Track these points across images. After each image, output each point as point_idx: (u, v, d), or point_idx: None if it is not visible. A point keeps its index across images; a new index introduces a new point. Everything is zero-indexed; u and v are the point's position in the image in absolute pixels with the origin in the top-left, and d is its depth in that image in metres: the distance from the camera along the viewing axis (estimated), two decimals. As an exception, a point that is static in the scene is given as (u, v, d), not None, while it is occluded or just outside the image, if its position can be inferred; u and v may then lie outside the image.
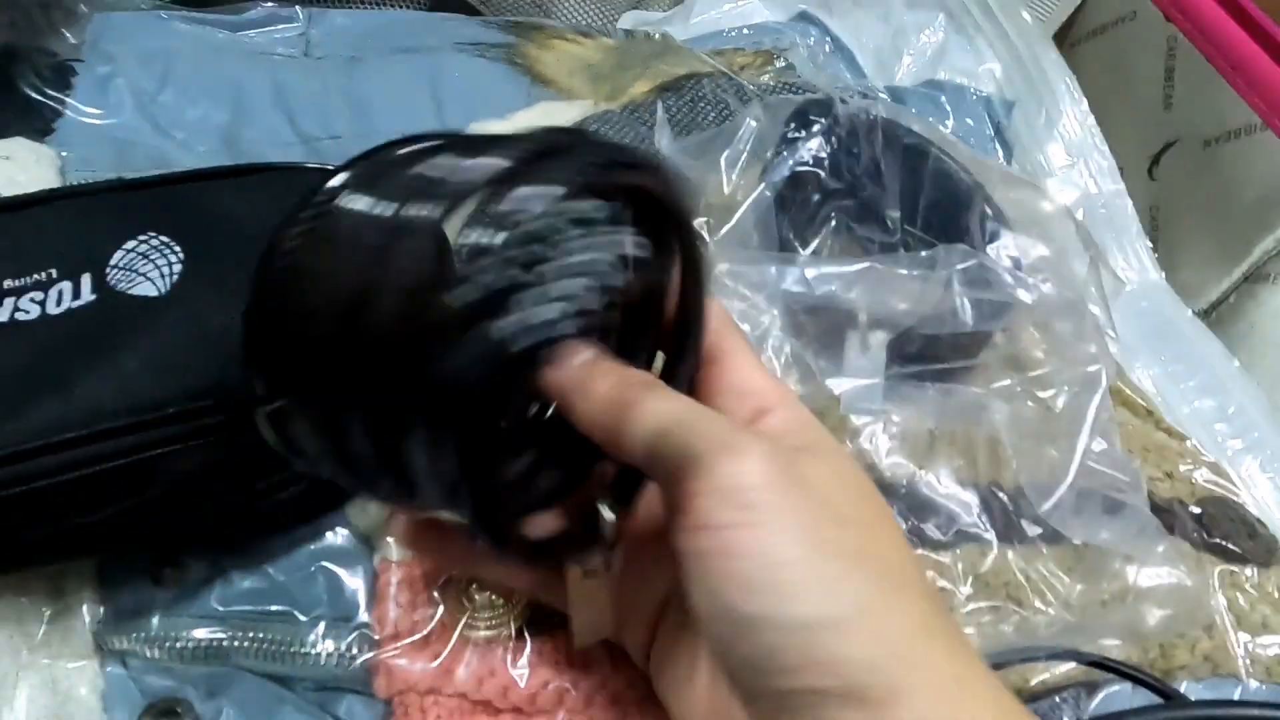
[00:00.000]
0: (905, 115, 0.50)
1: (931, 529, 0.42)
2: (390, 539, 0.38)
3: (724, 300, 0.42)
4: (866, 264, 0.43)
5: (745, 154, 0.47)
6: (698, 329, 0.30)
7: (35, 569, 0.37)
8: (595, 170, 0.26)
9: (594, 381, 0.27)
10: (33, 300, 0.35)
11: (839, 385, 0.43)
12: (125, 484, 0.34)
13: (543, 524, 0.31)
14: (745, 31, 0.70)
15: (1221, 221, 0.65)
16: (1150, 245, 0.64)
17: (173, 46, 0.57)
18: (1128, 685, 0.40)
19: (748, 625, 0.24)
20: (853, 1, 0.73)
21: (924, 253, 0.44)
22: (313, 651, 0.36)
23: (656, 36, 0.66)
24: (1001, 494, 0.43)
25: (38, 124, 0.51)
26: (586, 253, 0.26)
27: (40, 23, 0.55)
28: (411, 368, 0.24)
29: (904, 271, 0.43)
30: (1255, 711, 0.34)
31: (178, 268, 0.36)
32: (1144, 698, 0.39)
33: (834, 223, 0.46)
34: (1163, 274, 0.63)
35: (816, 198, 0.46)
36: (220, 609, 0.37)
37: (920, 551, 0.41)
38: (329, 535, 0.39)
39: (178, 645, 0.36)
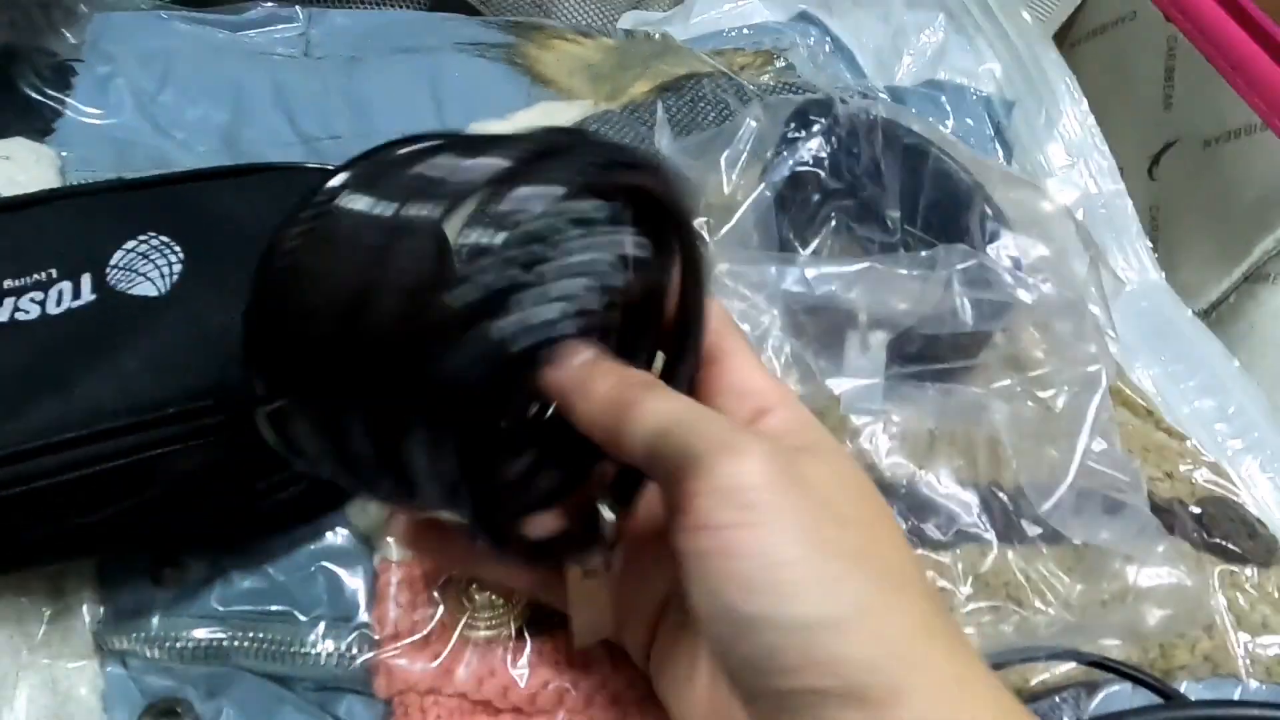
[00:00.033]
0: (905, 115, 0.50)
1: (931, 529, 0.42)
2: (390, 539, 0.38)
3: (724, 300, 0.42)
4: (866, 264, 0.43)
5: (745, 154, 0.47)
6: (698, 329, 0.30)
7: (35, 569, 0.37)
8: (595, 170, 0.26)
9: (594, 381, 0.27)
10: (33, 300, 0.35)
11: (839, 385, 0.43)
12: (125, 484, 0.34)
13: (542, 524, 0.31)
14: (745, 31, 0.70)
15: (1221, 221, 0.65)
16: (1150, 245, 0.64)
17: (173, 46, 0.57)
18: (1128, 685, 0.40)
19: (747, 625, 0.24)
20: (853, 1, 0.73)
21: (924, 253, 0.44)
22: (313, 651, 0.36)
23: (656, 36, 0.66)
24: (1001, 494, 0.43)
25: (38, 124, 0.51)
26: (586, 253, 0.26)
27: (40, 22, 0.55)
28: (411, 367, 0.24)
29: (904, 271, 0.43)
30: (1255, 712, 0.34)
31: (178, 268, 0.36)
32: (1144, 698, 0.39)
33: (834, 223, 0.46)
34: (1163, 274, 0.63)
35: (816, 198, 0.46)
36: (220, 609, 0.37)
37: (920, 551, 0.41)
38: (329, 535, 0.39)
39: (178, 645, 0.36)
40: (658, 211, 0.28)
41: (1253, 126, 0.62)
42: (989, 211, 0.47)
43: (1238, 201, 0.64)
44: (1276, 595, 0.44)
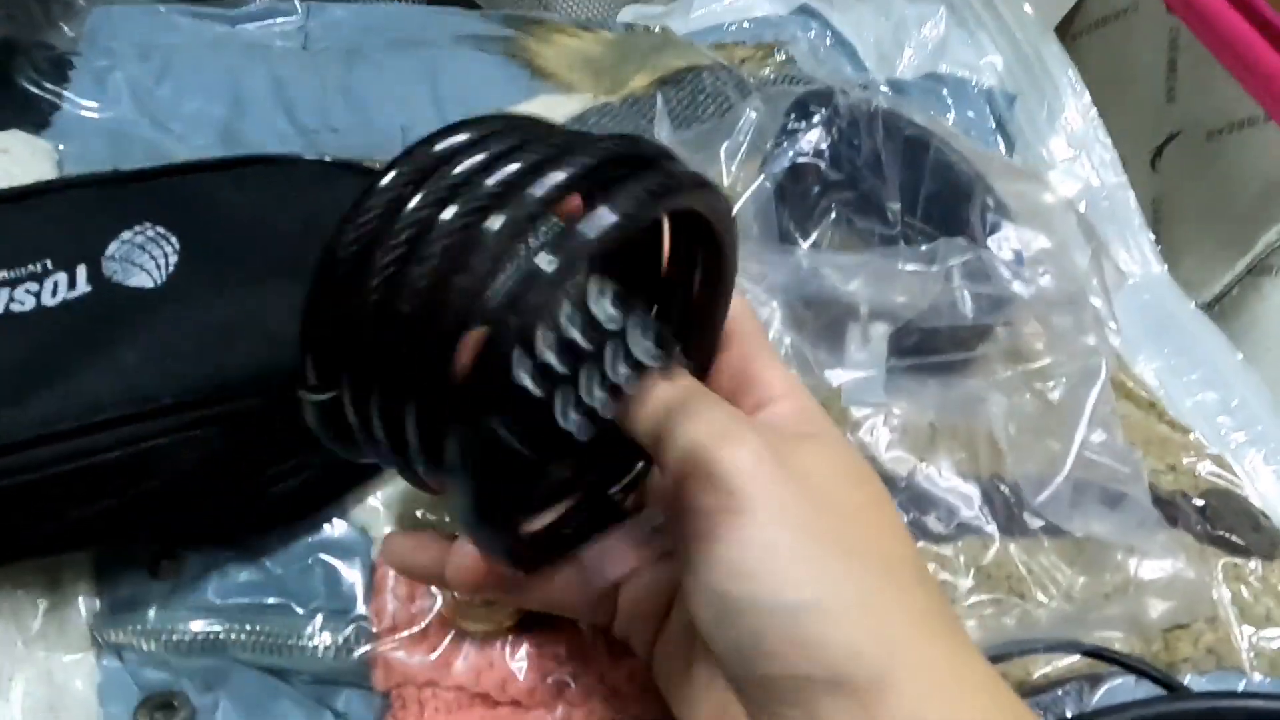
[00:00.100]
0: (906, 106, 0.50)
1: (933, 522, 0.42)
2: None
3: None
4: (866, 256, 0.43)
5: (745, 145, 0.47)
6: (718, 319, 0.30)
7: (31, 561, 0.37)
8: (655, 200, 0.25)
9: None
10: (28, 291, 0.35)
11: (839, 377, 0.43)
12: (122, 476, 0.34)
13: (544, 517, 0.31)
14: (746, 25, 0.70)
15: (1224, 214, 0.65)
16: (1153, 238, 0.63)
17: (171, 40, 0.57)
18: (1130, 678, 0.39)
19: (734, 610, 0.24)
20: (853, -5, 0.73)
21: (924, 247, 0.44)
22: (310, 644, 0.36)
23: (657, 30, 0.66)
24: (1003, 486, 0.43)
25: (35, 117, 0.51)
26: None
27: (38, 16, 0.55)
28: (488, 397, 0.24)
29: (904, 265, 0.43)
30: (1259, 703, 0.34)
31: (173, 259, 0.36)
32: (1147, 691, 0.39)
33: (834, 215, 0.46)
34: (1165, 267, 0.62)
35: (816, 189, 0.46)
36: (217, 602, 0.37)
37: (922, 544, 0.41)
38: (326, 528, 0.39)
39: (174, 638, 0.36)
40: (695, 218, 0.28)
41: (1256, 118, 0.62)
42: (990, 203, 0.47)
43: (1241, 194, 0.64)
44: (1280, 588, 0.43)
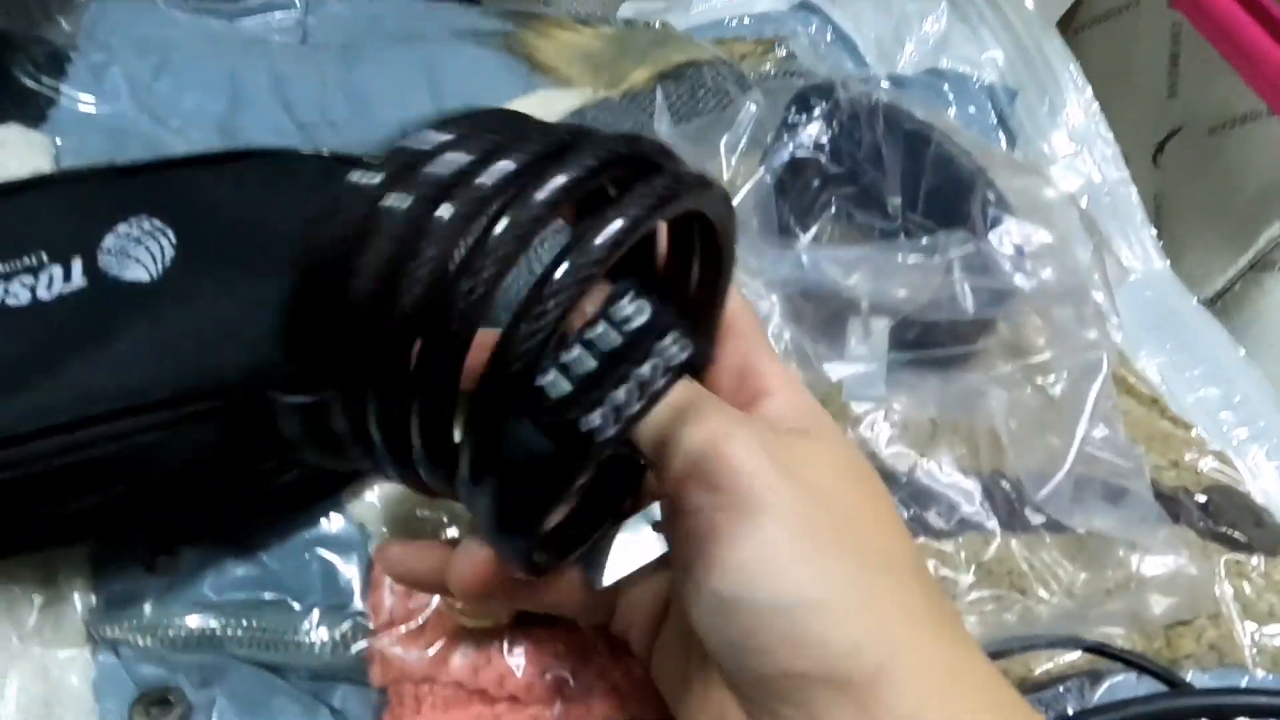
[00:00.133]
0: (907, 101, 0.49)
1: (934, 518, 0.41)
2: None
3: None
4: (866, 249, 0.43)
5: (745, 139, 0.46)
6: (714, 314, 0.30)
7: (27, 557, 0.36)
8: (663, 206, 0.25)
9: None
10: (23, 285, 0.35)
11: (839, 372, 0.43)
12: (118, 470, 0.34)
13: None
14: (746, 21, 0.70)
15: (1227, 209, 0.65)
16: (1154, 233, 0.63)
17: (169, 35, 0.57)
18: (1132, 675, 0.39)
19: (728, 607, 0.24)
20: (854, -10, 0.72)
21: (924, 240, 0.44)
22: (307, 640, 0.36)
23: (656, 25, 0.65)
24: (1004, 482, 0.42)
25: (32, 112, 0.51)
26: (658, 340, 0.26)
27: (35, 10, 0.55)
28: (489, 420, 0.24)
29: (903, 258, 0.43)
30: (1263, 699, 0.33)
31: (169, 252, 0.36)
32: (1149, 688, 0.39)
33: (834, 209, 0.46)
34: (1167, 262, 0.62)
35: (816, 183, 0.46)
36: (213, 597, 0.37)
37: (922, 540, 0.41)
38: (323, 522, 0.39)
39: (170, 633, 0.36)
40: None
41: (1258, 113, 0.62)
42: (991, 198, 0.47)
43: (1243, 189, 0.63)
44: (1283, 584, 0.43)
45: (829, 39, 0.70)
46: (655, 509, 0.32)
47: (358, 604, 0.37)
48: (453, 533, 0.39)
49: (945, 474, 0.42)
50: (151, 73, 0.54)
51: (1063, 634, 0.38)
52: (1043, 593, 0.40)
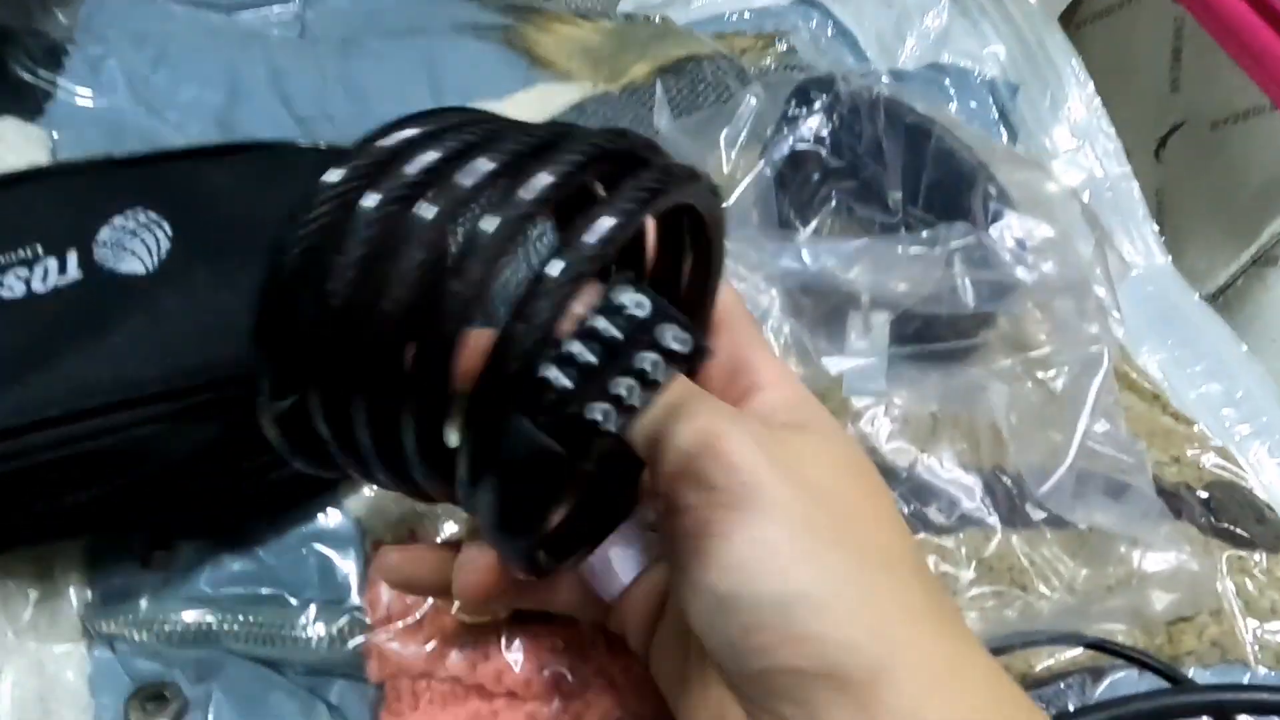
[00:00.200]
0: (908, 95, 0.49)
1: (934, 513, 0.41)
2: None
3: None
4: (866, 243, 0.42)
5: (745, 132, 0.46)
6: (705, 311, 0.30)
7: (22, 551, 0.36)
8: (651, 199, 0.25)
9: None
10: (18, 277, 0.35)
11: (840, 366, 0.43)
12: (115, 463, 0.34)
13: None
14: (746, 15, 0.70)
15: (1229, 204, 0.65)
16: (1156, 229, 0.63)
17: (166, 28, 0.56)
18: (1134, 671, 0.39)
19: (725, 604, 0.24)
20: (855, -16, 0.72)
21: (924, 233, 0.43)
22: (303, 635, 0.36)
23: (657, 20, 0.65)
24: (1005, 478, 0.42)
25: (29, 105, 0.51)
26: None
27: (32, 3, 0.55)
28: (490, 419, 0.23)
29: (903, 251, 0.43)
30: (1265, 696, 0.33)
31: (165, 245, 0.36)
32: (1150, 684, 0.39)
33: (834, 203, 0.46)
34: (1169, 258, 0.62)
35: (817, 177, 0.45)
36: (210, 592, 0.37)
37: (923, 536, 0.40)
38: (320, 517, 0.38)
39: (166, 628, 0.36)
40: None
41: (1261, 108, 0.62)
42: (993, 192, 0.47)
43: (1246, 184, 0.63)
44: (1285, 580, 0.43)
45: (830, 34, 0.69)
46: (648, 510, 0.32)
47: (355, 599, 0.37)
48: (449, 528, 0.38)
49: (946, 469, 0.42)
50: (149, 66, 0.54)
51: (1064, 630, 0.38)
52: (1044, 589, 0.39)
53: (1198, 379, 0.55)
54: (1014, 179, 0.48)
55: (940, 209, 0.46)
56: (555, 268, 0.22)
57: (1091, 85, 0.67)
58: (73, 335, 0.33)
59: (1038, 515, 0.41)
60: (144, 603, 0.36)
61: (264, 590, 0.37)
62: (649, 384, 0.25)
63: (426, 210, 0.23)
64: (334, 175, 0.24)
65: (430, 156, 0.24)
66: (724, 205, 0.43)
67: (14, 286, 0.34)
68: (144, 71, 0.54)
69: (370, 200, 0.23)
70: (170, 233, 0.36)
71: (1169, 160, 0.70)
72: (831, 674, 0.23)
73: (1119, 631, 0.39)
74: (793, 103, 0.46)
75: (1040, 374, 0.43)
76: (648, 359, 0.25)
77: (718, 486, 0.24)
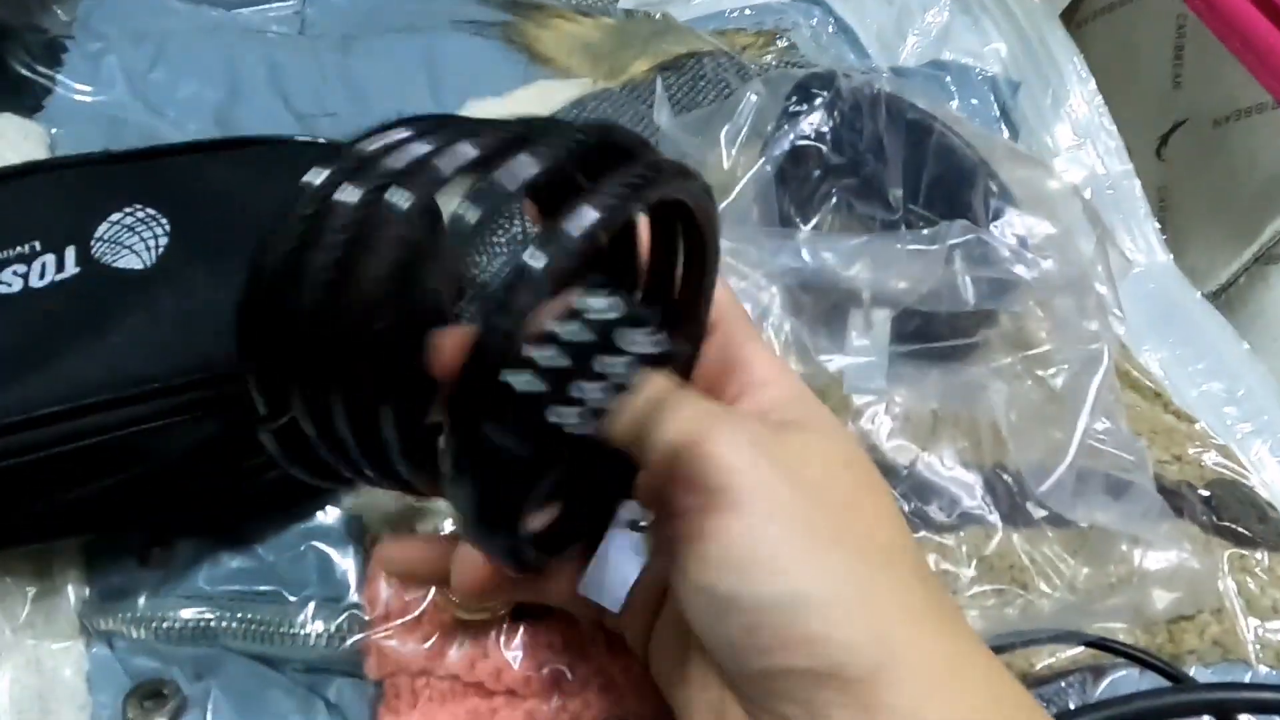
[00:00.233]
0: (909, 92, 0.49)
1: (935, 511, 0.41)
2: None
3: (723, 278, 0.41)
4: (866, 239, 0.42)
5: (745, 129, 0.46)
6: (702, 309, 0.30)
7: (20, 549, 0.36)
8: (638, 193, 0.24)
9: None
10: (15, 273, 0.35)
11: (840, 363, 0.42)
12: (113, 460, 0.34)
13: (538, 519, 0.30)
14: (747, 11, 0.69)
15: (1231, 202, 0.64)
16: (1158, 227, 0.62)
17: (165, 24, 0.57)
18: (1135, 670, 0.39)
19: (725, 605, 0.24)
20: (856, -19, 0.72)
21: (925, 231, 0.43)
22: (302, 632, 0.36)
23: (657, 16, 0.65)
24: (1006, 476, 0.42)
25: (28, 101, 0.51)
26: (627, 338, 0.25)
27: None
28: (461, 420, 0.23)
29: (903, 249, 0.42)
30: (1267, 695, 0.33)
31: (163, 240, 0.36)
32: (1151, 683, 0.38)
33: (835, 200, 0.45)
34: (1171, 256, 0.61)
35: (817, 174, 0.45)
36: (208, 589, 0.36)
37: (924, 534, 0.40)
38: (319, 515, 0.38)
39: (164, 626, 0.35)
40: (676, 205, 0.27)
41: (1264, 105, 0.61)
42: (994, 189, 0.46)
43: (1248, 182, 0.63)
44: (1287, 579, 0.43)
45: (830, 30, 0.69)
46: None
47: (353, 596, 0.37)
48: (449, 525, 0.38)
49: (947, 467, 0.42)
50: (148, 62, 0.54)
51: (1064, 629, 0.38)
52: (1044, 587, 0.39)
53: (1199, 377, 0.55)
54: (1015, 176, 0.48)
55: (941, 206, 0.45)
56: (537, 259, 0.22)
57: (1093, 82, 0.67)
58: (70, 332, 0.33)
59: (1039, 513, 0.41)
60: (142, 600, 0.36)
61: (262, 588, 0.37)
62: (619, 387, 0.25)
63: (402, 199, 0.23)
64: (316, 176, 0.24)
65: (414, 151, 0.24)
66: (719, 203, 0.43)
67: (11, 283, 0.34)
68: (143, 68, 0.54)
69: (348, 194, 0.23)
70: (169, 229, 0.36)
71: (1171, 158, 0.69)
72: (832, 674, 0.23)
73: (1120, 630, 0.39)
74: (793, 99, 0.46)
75: (1040, 372, 0.43)
76: (618, 363, 0.25)
77: (715, 488, 0.24)
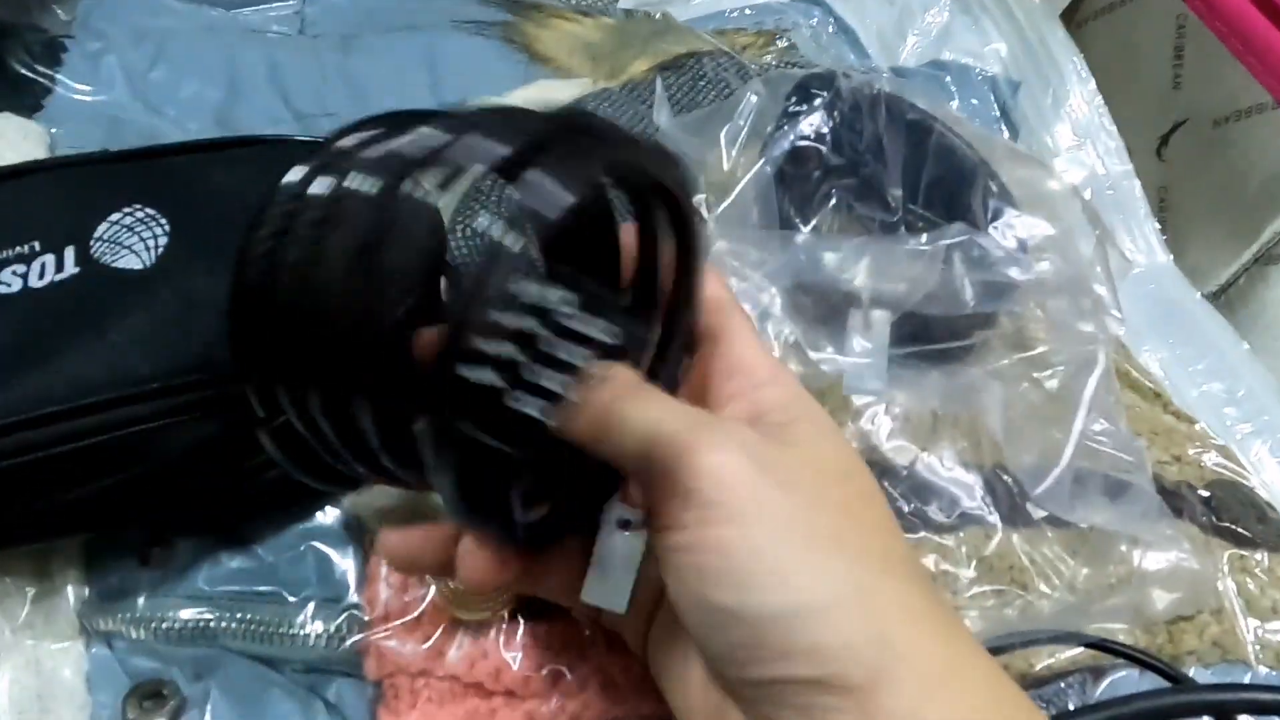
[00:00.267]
0: (909, 92, 0.49)
1: (934, 512, 0.41)
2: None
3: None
4: (866, 241, 0.42)
5: (745, 129, 0.46)
6: (691, 310, 0.29)
7: (20, 549, 0.36)
8: (614, 171, 0.24)
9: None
10: (15, 273, 0.35)
11: (840, 364, 0.42)
12: (113, 459, 0.34)
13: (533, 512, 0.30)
14: (747, 11, 0.69)
15: (1231, 202, 0.64)
16: (1158, 227, 0.62)
17: (165, 24, 0.57)
18: (1134, 671, 0.39)
19: (723, 617, 0.24)
20: (856, -19, 0.72)
21: (924, 235, 0.43)
22: (301, 633, 0.36)
23: (657, 16, 0.65)
24: (1006, 476, 0.42)
25: (27, 101, 0.51)
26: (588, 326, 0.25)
27: (31, -1, 0.55)
28: (432, 413, 0.23)
29: (902, 249, 0.42)
30: (1265, 696, 0.33)
31: (163, 240, 0.36)
32: (1151, 684, 0.38)
33: (834, 201, 0.45)
34: (1171, 256, 0.61)
35: (817, 174, 0.45)
36: (207, 589, 0.36)
37: (923, 535, 0.40)
38: (319, 515, 0.38)
39: (164, 626, 0.35)
40: (657, 194, 0.27)
41: (1264, 105, 0.61)
42: (994, 189, 0.46)
43: (1248, 182, 0.63)
44: (1287, 580, 0.43)
45: (830, 30, 0.69)
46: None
47: (353, 597, 0.37)
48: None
49: (946, 468, 0.42)
50: (148, 62, 0.54)
51: (1064, 629, 0.38)
52: (1044, 588, 0.39)
53: (1199, 377, 0.55)
54: (1015, 176, 0.48)
55: (941, 206, 0.45)
56: (510, 239, 0.22)
57: (1093, 82, 0.67)
58: (70, 331, 0.33)
59: (1038, 514, 0.41)
60: (142, 600, 0.36)
61: (262, 588, 0.37)
62: (579, 377, 0.25)
63: (369, 184, 0.23)
64: (294, 175, 0.24)
65: (390, 144, 0.24)
66: (719, 203, 0.43)
67: (11, 282, 0.34)
68: (143, 67, 0.54)
69: (320, 186, 0.24)
70: (168, 229, 0.36)
71: (1171, 158, 0.69)
72: (833, 680, 0.23)
73: (1120, 631, 0.39)
74: (793, 99, 0.46)
75: (1036, 374, 0.43)
76: (578, 354, 0.25)
77: (710, 502, 0.24)
